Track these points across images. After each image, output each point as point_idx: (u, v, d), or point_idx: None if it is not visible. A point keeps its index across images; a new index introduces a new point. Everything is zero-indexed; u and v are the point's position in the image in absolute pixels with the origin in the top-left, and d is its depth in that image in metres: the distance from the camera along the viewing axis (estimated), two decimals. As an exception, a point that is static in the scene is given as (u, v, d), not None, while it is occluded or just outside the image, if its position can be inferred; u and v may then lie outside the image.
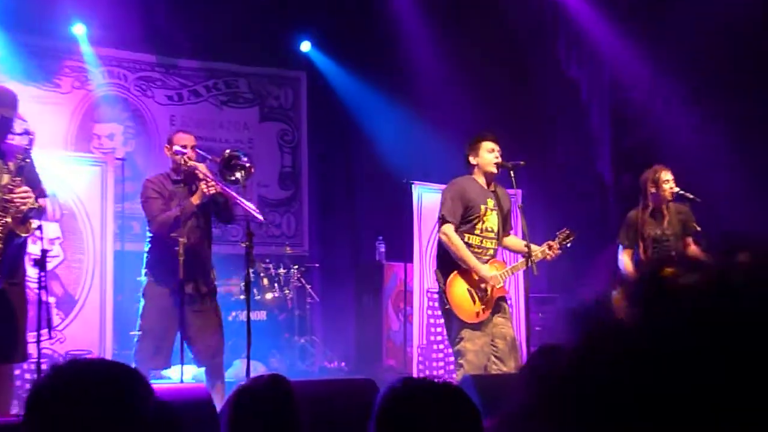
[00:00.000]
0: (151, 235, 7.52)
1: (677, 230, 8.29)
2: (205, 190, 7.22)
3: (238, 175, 7.39)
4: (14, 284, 6.53)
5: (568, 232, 7.78)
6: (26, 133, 6.49)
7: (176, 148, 7.40)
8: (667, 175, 8.25)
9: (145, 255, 7.58)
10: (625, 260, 8.30)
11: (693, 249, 8.33)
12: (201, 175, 7.30)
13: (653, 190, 8.26)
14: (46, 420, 2.22)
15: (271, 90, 11.97)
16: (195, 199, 7.24)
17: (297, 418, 3.67)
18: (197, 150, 7.56)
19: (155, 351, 7.24)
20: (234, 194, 7.35)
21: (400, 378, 2.91)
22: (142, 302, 7.45)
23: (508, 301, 7.92)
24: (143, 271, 7.61)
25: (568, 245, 7.79)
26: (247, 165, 7.44)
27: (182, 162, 7.37)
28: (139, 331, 7.41)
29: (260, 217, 7.91)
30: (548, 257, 7.68)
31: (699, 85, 9.70)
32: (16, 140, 6.64)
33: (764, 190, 9.18)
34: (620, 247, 8.36)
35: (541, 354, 3.46)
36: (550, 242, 7.71)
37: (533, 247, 7.58)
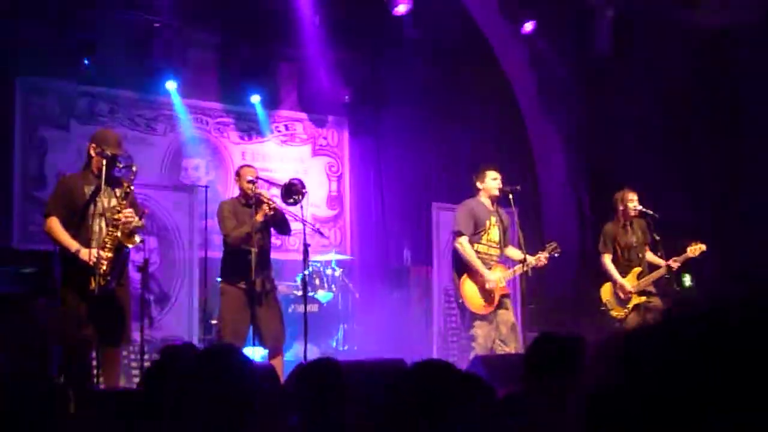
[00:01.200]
0: (225, 246, 7.56)
1: (641, 240, 8.29)
2: (266, 210, 7.27)
3: (294, 198, 7.45)
4: (122, 285, 6.57)
5: (555, 245, 7.83)
6: (129, 166, 6.55)
7: (248, 178, 7.44)
8: (632, 196, 8.26)
9: (221, 261, 7.61)
10: (607, 262, 8.28)
11: (650, 255, 8.34)
12: (264, 199, 7.34)
13: (622, 207, 8.26)
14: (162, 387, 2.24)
15: (321, 131, 11.99)
16: (259, 217, 7.29)
17: (345, 390, 3.66)
18: (260, 179, 7.60)
19: (233, 337, 7.26)
20: (301, 216, 7.41)
21: (424, 359, 2.89)
22: (221, 299, 7.48)
23: (510, 297, 7.92)
24: (220, 273, 7.65)
25: (556, 255, 7.81)
26: (303, 191, 7.48)
27: (250, 190, 7.41)
28: (220, 322, 7.44)
29: (321, 231, 8.00)
30: (539, 264, 7.72)
31: (656, 129, 9.67)
32: (122, 172, 6.70)
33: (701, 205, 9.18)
34: (601, 254, 8.34)
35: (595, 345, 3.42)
36: (541, 253, 7.75)
37: (528, 257, 7.63)
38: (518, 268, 7.77)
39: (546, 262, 7.76)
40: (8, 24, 9.27)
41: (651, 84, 9.59)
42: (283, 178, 10.60)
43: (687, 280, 8.45)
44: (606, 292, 8.32)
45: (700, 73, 9.56)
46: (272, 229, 7.59)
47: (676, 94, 9.43)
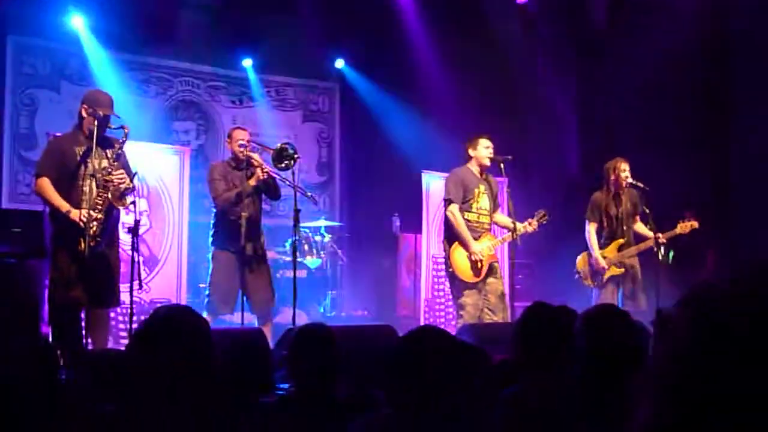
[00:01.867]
0: (215, 210, 7.52)
1: (630, 211, 8.26)
2: (260, 175, 7.23)
3: (286, 162, 7.38)
4: (111, 247, 6.54)
5: (543, 212, 7.82)
6: (121, 128, 6.47)
7: (239, 141, 7.38)
8: (624, 166, 8.22)
9: (211, 226, 7.58)
10: (591, 231, 8.27)
11: (639, 225, 8.32)
12: (256, 163, 7.30)
13: (613, 177, 8.22)
14: (149, 346, 2.21)
15: (311, 97, 11.94)
16: (252, 182, 7.26)
17: (339, 355, 3.64)
18: (252, 142, 7.55)
19: (223, 301, 7.25)
20: (289, 180, 7.33)
21: (419, 326, 2.87)
22: (211, 264, 7.45)
23: (498, 264, 7.92)
24: (210, 239, 7.61)
25: (544, 222, 7.80)
26: (295, 155, 7.43)
27: (241, 153, 7.36)
28: (210, 285, 7.41)
29: (314, 197, 7.99)
30: (528, 231, 7.70)
31: (651, 102, 9.62)
32: (113, 133, 6.64)
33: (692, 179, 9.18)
34: (587, 221, 8.32)
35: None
36: (530, 220, 7.73)
37: (517, 224, 7.61)
38: (507, 236, 7.76)
39: (536, 228, 7.75)
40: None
41: (646, 56, 9.52)
42: (274, 143, 10.59)
43: (671, 255, 8.41)
44: (581, 261, 8.33)
45: (695, 45, 9.49)
46: (263, 195, 7.55)
47: (672, 66, 9.37)
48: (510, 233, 7.68)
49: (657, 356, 1.04)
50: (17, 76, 9.76)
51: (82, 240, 6.10)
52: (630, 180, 8.16)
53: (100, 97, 6.63)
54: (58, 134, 6.88)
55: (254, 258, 7.37)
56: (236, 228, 7.15)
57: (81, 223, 6.11)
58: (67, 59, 10.07)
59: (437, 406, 2.32)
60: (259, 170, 7.26)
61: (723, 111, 9.65)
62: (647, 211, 8.09)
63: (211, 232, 7.60)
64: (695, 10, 9.43)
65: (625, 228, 8.24)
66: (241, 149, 7.37)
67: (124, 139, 6.47)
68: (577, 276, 8.34)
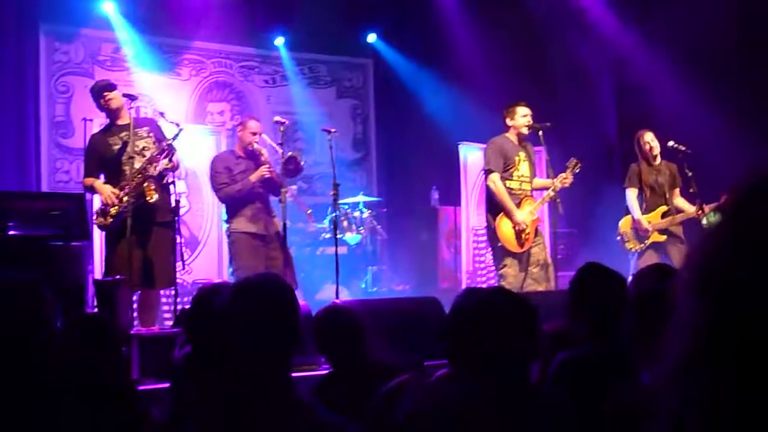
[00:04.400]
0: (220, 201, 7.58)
1: (668, 181, 8.16)
2: (265, 173, 7.21)
3: (292, 172, 7.46)
4: (166, 228, 6.62)
5: (575, 161, 7.73)
6: (176, 124, 6.65)
7: (252, 130, 7.38)
8: (648, 136, 8.16)
9: (227, 210, 7.52)
10: (631, 197, 8.17)
11: (680, 200, 8.22)
12: (263, 159, 7.30)
13: (644, 147, 8.15)
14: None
15: (345, 74, 11.89)
16: (253, 178, 7.22)
17: (362, 331, 3.61)
18: (262, 137, 7.53)
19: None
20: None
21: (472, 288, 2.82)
22: (234, 247, 7.41)
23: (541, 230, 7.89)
24: (225, 224, 7.61)
25: (577, 171, 7.70)
26: (300, 166, 7.48)
27: (251, 144, 7.35)
28: (237, 268, 7.36)
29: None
30: (565, 184, 7.60)
31: (689, 64, 9.45)
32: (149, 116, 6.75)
33: (740, 144, 9.01)
34: (626, 188, 8.23)
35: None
36: (563, 174, 7.65)
37: (554, 181, 7.59)
38: (546, 196, 7.67)
39: (571, 179, 7.67)
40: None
41: (685, 18, 9.35)
42: (309, 121, 10.63)
43: (713, 216, 8.26)
44: (625, 223, 8.24)
45: (735, 7, 9.31)
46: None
47: (711, 29, 9.20)
48: (549, 192, 7.61)
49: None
50: (51, 64, 9.80)
51: (101, 216, 6.30)
52: (656, 146, 8.07)
53: (102, 85, 6.86)
54: (95, 133, 7.10)
55: (271, 239, 7.34)
56: (250, 209, 7.27)
57: (106, 199, 6.28)
58: (99, 45, 10.10)
59: (502, 367, 2.28)
60: (264, 169, 7.23)
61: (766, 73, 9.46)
62: (689, 173, 7.97)
63: (225, 218, 7.59)
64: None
65: (666, 197, 8.15)
66: (253, 138, 7.36)
67: (175, 136, 6.63)
68: (618, 238, 8.25)
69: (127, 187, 6.34)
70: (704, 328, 0.93)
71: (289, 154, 7.47)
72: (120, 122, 6.67)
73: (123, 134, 6.57)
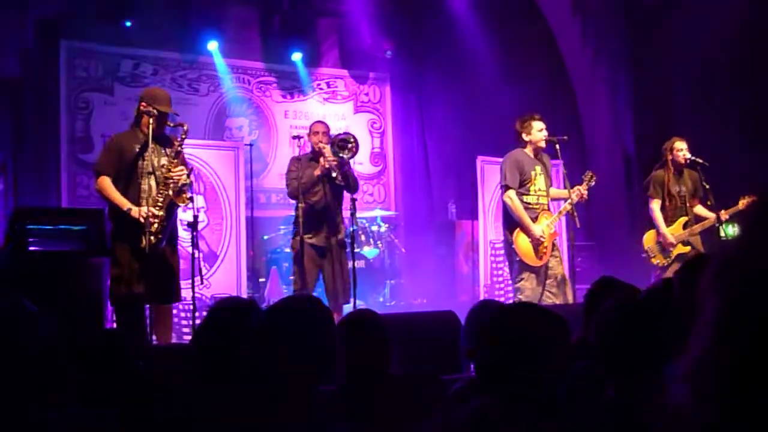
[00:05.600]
0: (293, 202, 7.64)
1: (690, 190, 8.16)
2: (323, 164, 7.37)
3: (345, 153, 7.46)
4: (171, 244, 6.62)
5: (591, 174, 7.77)
6: (180, 125, 6.56)
7: (316, 131, 7.63)
8: (681, 144, 8.13)
9: (295, 218, 7.63)
10: (655, 209, 8.15)
11: (699, 208, 8.21)
12: (326, 153, 7.43)
13: (671, 157, 8.13)
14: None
15: (362, 88, 11.93)
16: (316, 171, 7.39)
17: (386, 337, 3.63)
18: (328, 135, 7.63)
19: (304, 287, 7.36)
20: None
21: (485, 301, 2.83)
22: (293, 254, 7.57)
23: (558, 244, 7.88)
24: (292, 230, 7.70)
25: (593, 184, 7.72)
26: (351, 145, 7.50)
27: (316, 144, 7.51)
28: (294, 275, 7.62)
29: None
30: (582, 198, 7.61)
31: (706, 82, 9.43)
32: (172, 131, 6.74)
33: (755, 154, 8.97)
34: (650, 199, 8.20)
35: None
36: (578, 187, 7.66)
37: (571, 193, 7.57)
38: (563, 209, 7.67)
39: (587, 192, 7.68)
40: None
41: (701, 30, 9.35)
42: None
43: (731, 228, 8.27)
44: (649, 239, 8.22)
45: (750, 18, 9.29)
46: (342, 188, 7.64)
47: (728, 40, 9.18)
48: (565, 205, 7.61)
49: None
50: (71, 80, 9.89)
51: (143, 237, 6.18)
52: (689, 156, 8.05)
53: (158, 94, 6.71)
54: (115, 134, 6.95)
55: (330, 247, 7.48)
56: (311, 216, 7.42)
57: (142, 220, 6.19)
58: (119, 61, 10.19)
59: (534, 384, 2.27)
60: (322, 159, 7.39)
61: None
62: (707, 186, 7.98)
63: (293, 222, 7.69)
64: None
65: (688, 206, 8.15)
66: (316, 138, 7.53)
67: (183, 136, 6.55)
68: (644, 255, 8.23)
69: (158, 202, 6.32)
70: (723, 324, 0.95)
71: (334, 137, 7.59)
72: (145, 132, 6.55)
73: (143, 138, 6.48)
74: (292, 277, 7.75)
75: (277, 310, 2.38)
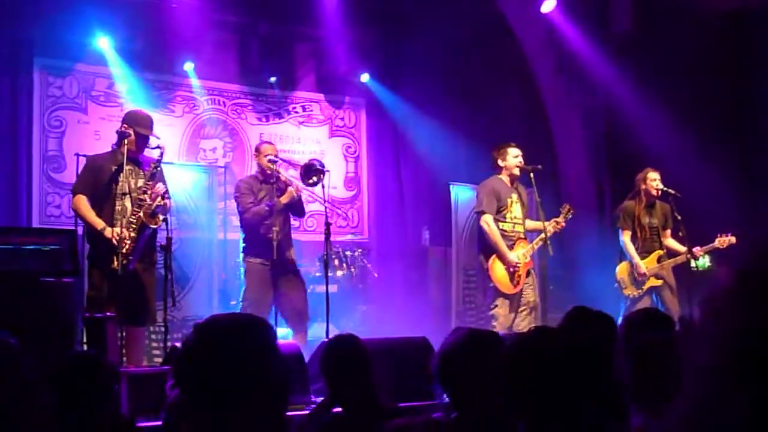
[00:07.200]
0: (242, 225, 7.58)
1: (661, 222, 8.25)
2: (294, 193, 7.31)
3: (314, 178, 7.45)
4: (149, 266, 6.60)
5: (568, 206, 7.86)
6: (158, 147, 6.58)
7: (268, 156, 7.45)
8: (654, 175, 8.21)
9: (242, 241, 7.62)
10: (626, 240, 8.22)
11: (670, 240, 8.30)
12: (283, 178, 7.38)
13: (643, 187, 8.21)
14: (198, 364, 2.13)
15: (337, 112, 11.95)
16: (284, 199, 7.35)
17: (369, 364, 3.67)
18: (279, 157, 7.62)
19: (256, 314, 7.29)
20: (323, 197, 7.40)
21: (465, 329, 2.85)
22: (245, 278, 7.49)
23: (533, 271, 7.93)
24: (241, 254, 7.66)
25: (570, 217, 7.80)
26: (323, 170, 7.48)
27: (269, 168, 7.42)
28: (243, 301, 7.44)
29: (339, 211, 8.04)
30: (558, 229, 7.69)
31: (678, 109, 9.55)
32: (150, 153, 6.74)
33: (723, 187, 9.10)
34: (620, 230, 8.28)
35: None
36: (556, 219, 7.74)
37: (547, 225, 7.64)
38: (538, 239, 7.73)
39: (563, 224, 7.75)
40: (27, 4, 9.24)
41: (672, 63, 9.49)
42: (302, 159, 10.63)
43: (705, 261, 8.38)
44: (622, 270, 8.28)
45: (716, 55, 9.45)
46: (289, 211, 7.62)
47: (700, 69, 9.33)
48: (541, 235, 7.67)
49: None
50: (44, 98, 9.84)
51: (115, 258, 6.17)
52: (661, 187, 8.13)
53: (139, 116, 6.77)
54: (98, 153, 7.00)
55: (287, 270, 7.43)
56: (268, 242, 7.19)
57: (114, 241, 6.18)
58: (93, 80, 10.15)
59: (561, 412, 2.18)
60: (292, 189, 7.34)
61: (753, 117, 9.58)
62: (679, 218, 8.05)
63: (242, 247, 7.64)
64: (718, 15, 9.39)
65: (660, 239, 8.22)
66: (270, 164, 7.42)
67: (160, 158, 6.57)
68: (616, 285, 8.29)
69: (132, 224, 6.32)
70: (721, 363, 0.97)
71: (308, 161, 7.57)
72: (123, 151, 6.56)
73: (121, 159, 6.49)
74: (240, 302, 7.59)
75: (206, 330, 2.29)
